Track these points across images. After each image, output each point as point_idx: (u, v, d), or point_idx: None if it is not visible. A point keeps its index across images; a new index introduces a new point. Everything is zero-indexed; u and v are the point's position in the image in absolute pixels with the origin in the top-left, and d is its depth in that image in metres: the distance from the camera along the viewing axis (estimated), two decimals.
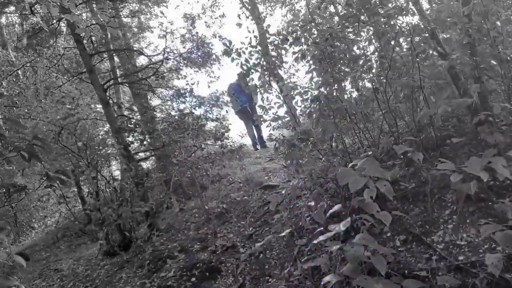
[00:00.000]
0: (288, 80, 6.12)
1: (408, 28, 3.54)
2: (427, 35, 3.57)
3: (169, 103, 8.59)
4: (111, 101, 6.94)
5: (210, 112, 8.27)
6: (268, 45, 4.72)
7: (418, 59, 3.47)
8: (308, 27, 4.35)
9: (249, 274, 3.78)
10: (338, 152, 3.99)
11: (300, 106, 4.65)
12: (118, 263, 4.87)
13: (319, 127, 3.85)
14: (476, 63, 3.15)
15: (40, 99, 8.40)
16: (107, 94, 6.46)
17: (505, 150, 2.70)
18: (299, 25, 4.39)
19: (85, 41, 6.61)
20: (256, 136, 8.87)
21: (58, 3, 2.87)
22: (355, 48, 4.38)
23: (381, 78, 3.80)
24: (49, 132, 6.23)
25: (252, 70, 4.63)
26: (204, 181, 7.33)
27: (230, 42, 4.58)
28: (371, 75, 4.05)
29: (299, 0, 11.85)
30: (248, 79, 4.68)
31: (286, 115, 4.82)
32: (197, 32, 9.15)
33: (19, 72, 10.68)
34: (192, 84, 6.91)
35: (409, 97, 3.75)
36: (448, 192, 3.01)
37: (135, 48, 8.18)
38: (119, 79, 7.81)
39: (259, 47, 4.48)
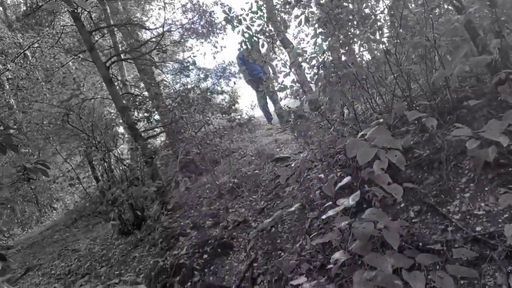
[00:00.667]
0: (296, 46, 5.85)
1: None
2: None
3: (171, 77, 8.38)
4: (116, 79, 6.84)
5: (218, 84, 8.08)
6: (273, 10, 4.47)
7: (431, 16, 3.18)
8: None
9: (261, 249, 3.75)
10: (348, 121, 3.81)
11: (309, 74, 4.43)
12: (132, 242, 4.95)
13: (326, 95, 3.65)
14: (496, 15, 2.85)
15: (46, 80, 8.35)
16: (111, 71, 6.33)
17: None
18: None
19: (83, 18, 6.43)
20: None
21: None
22: (364, 7, 4.07)
23: (392, 38, 3.52)
24: (56, 114, 6.20)
25: (255, 38, 4.40)
26: (216, 156, 7.27)
27: (230, 9, 4.34)
28: (380, 36, 3.77)
29: None
30: (250, 47, 4.45)
31: (293, 84, 4.63)
32: (198, 1, 8.75)
33: (28, 53, 10.60)
34: (194, 56, 6.68)
35: (423, 58, 3.49)
36: (465, 158, 2.83)
37: (135, 22, 7.91)
38: (121, 55, 7.63)
39: (260, 13, 4.22)
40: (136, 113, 6.01)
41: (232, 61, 8.68)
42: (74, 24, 6.48)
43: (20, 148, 9.83)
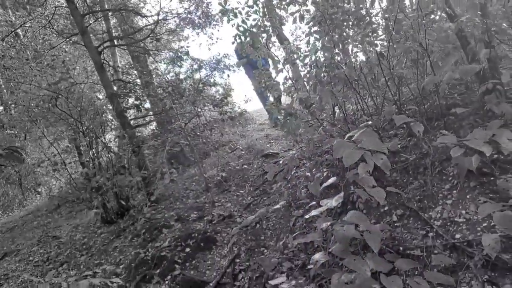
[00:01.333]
0: (292, 43, 5.82)
1: None
2: None
3: (164, 66, 8.27)
4: (108, 65, 6.72)
5: (211, 76, 8.02)
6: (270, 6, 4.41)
7: (425, 21, 3.18)
8: None
9: (245, 245, 3.75)
10: (337, 122, 3.81)
11: (303, 71, 4.41)
12: (115, 231, 4.89)
13: (316, 94, 3.64)
14: (487, 25, 2.86)
15: (35, 62, 8.15)
16: (103, 57, 6.21)
17: None
18: None
19: (77, 0, 6.28)
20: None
21: None
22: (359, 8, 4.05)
23: (385, 41, 3.52)
24: (44, 97, 6.06)
25: (253, 31, 4.35)
26: (206, 148, 7.24)
27: (226, 1, 4.29)
28: (374, 38, 3.76)
29: None
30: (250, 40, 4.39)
31: (285, 81, 4.61)
32: None
33: (19, 32, 10.34)
34: (188, 47, 6.60)
35: (414, 62, 3.50)
36: (449, 165, 2.86)
37: (131, 8, 7.76)
38: (114, 41, 7.49)
39: (256, 7, 4.17)
40: (126, 101, 5.91)
41: (227, 54, 8.61)
42: (67, 6, 6.32)
43: (6, 129, 9.65)
